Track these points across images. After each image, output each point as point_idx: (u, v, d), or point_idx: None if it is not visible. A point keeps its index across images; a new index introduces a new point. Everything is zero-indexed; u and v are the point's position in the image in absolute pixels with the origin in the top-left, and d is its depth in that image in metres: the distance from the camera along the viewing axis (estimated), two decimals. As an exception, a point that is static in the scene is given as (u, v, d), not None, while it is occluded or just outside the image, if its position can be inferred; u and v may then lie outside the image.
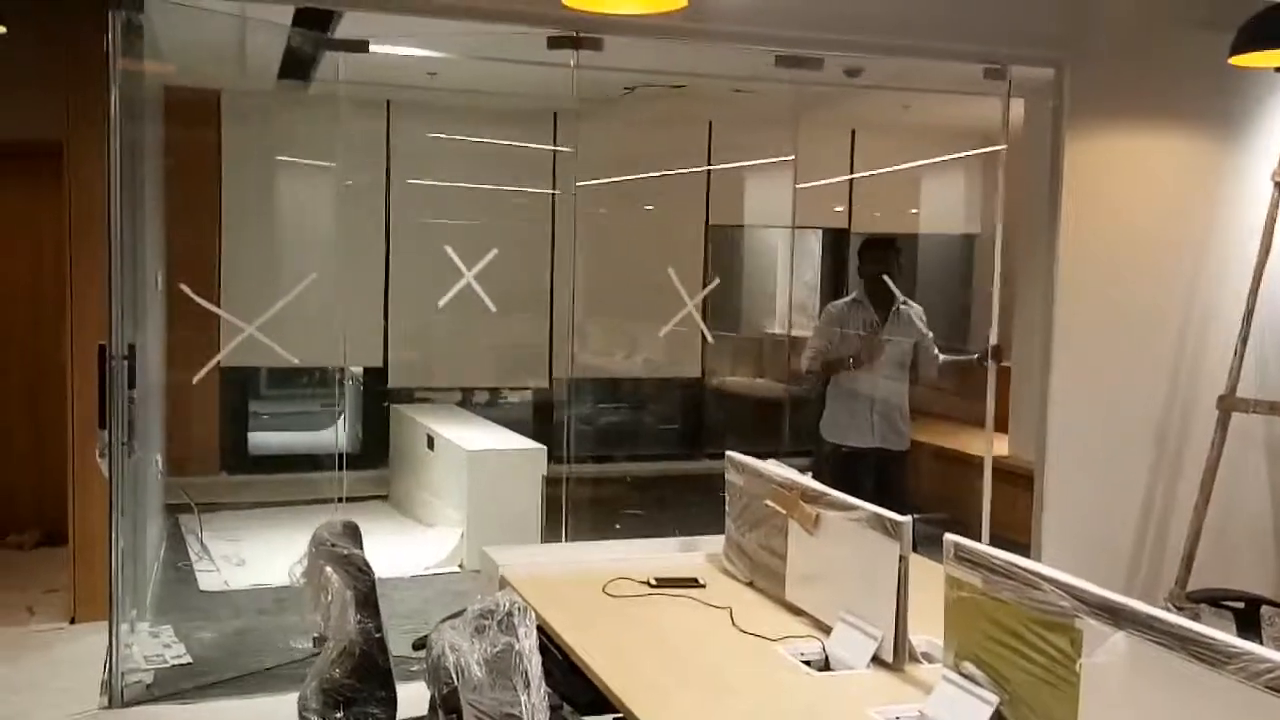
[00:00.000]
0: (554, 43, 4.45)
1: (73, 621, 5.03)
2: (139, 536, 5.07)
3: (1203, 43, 4.74)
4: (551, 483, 6.25)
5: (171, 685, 4.39)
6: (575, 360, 7.76)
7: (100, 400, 4.22)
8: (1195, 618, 1.91)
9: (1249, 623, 3.61)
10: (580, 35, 4.41)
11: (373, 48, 4.99)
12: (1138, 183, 5.03)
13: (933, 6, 4.69)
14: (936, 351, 5.39)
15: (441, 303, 5.40)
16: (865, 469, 5.32)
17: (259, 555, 6.17)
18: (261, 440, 8.22)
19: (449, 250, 5.43)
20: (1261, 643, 1.97)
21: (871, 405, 5.34)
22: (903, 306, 5.37)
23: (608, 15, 3.57)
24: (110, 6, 4.02)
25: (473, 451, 6.38)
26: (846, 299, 5.56)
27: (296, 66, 6.10)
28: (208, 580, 5.80)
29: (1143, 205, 5.04)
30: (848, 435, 5.38)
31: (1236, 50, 4.19)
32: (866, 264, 5.52)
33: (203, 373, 5.04)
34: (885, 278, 5.37)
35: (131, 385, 4.40)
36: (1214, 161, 5.11)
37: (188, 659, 4.67)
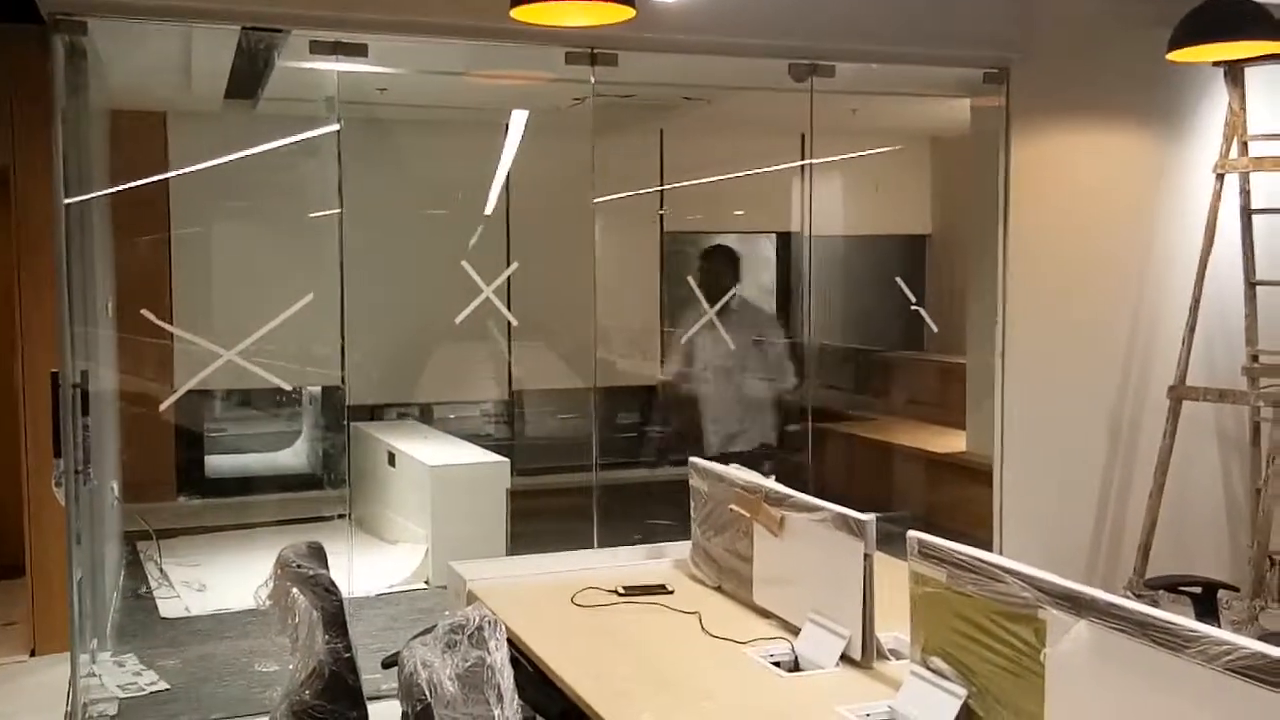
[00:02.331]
0: (571, 58, 4.49)
1: (33, 654, 4.96)
2: (97, 565, 5.00)
3: (1143, 40, 4.83)
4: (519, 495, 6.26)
5: (137, 715, 4.33)
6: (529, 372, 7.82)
7: (54, 428, 4.16)
8: (1154, 604, 1.95)
9: (1207, 607, 3.68)
10: (596, 51, 4.46)
11: (319, 65, 4.95)
12: (1084, 179, 5.12)
13: (878, 9, 4.75)
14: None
15: (459, 319, 5.46)
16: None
17: (220, 580, 6.10)
18: (218, 463, 8.13)
19: (466, 266, 5.45)
20: (1220, 626, 2.01)
21: (726, 413, 5.23)
22: (734, 303, 5.25)
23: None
24: (52, 30, 3.98)
25: (435, 466, 6.35)
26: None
27: (243, 86, 6.05)
28: (169, 607, 5.72)
29: (1089, 200, 5.12)
30: (726, 444, 5.26)
31: (1174, 46, 4.27)
32: (703, 273, 5.39)
33: (173, 399, 5.01)
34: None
35: (85, 412, 4.34)
36: (1157, 156, 5.21)
37: (164, 685, 4.61)
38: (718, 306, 6.27)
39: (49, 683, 4.58)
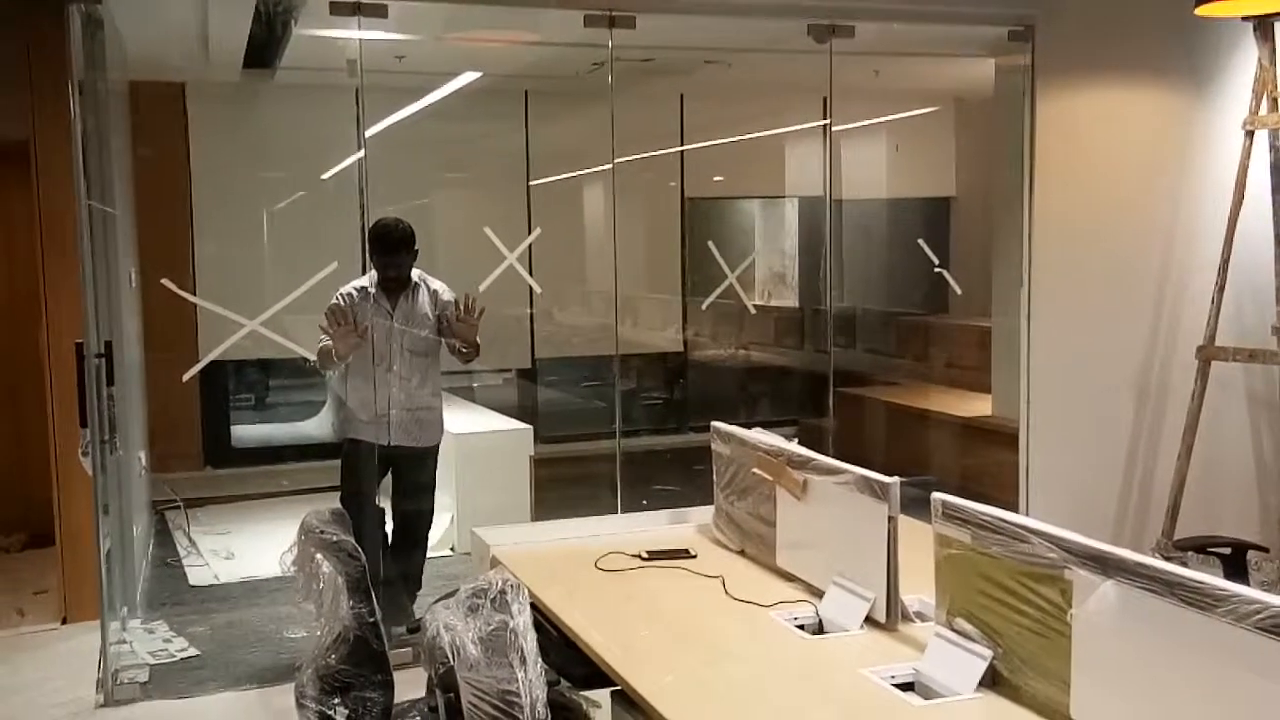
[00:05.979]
0: (590, 21, 4.47)
1: (64, 622, 5.02)
2: (126, 534, 5.05)
3: (1169, -6, 4.75)
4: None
5: (167, 681, 4.38)
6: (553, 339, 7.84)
7: (80, 399, 4.19)
8: (1183, 565, 1.92)
9: (1236, 568, 3.66)
10: (614, 14, 4.42)
11: (336, 33, 4.93)
12: (1110, 137, 5.05)
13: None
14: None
15: (482, 287, 5.42)
16: (387, 468, 4.88)
17: (248, 548, 6.16)
18: (244, 433, 8.20)
19: (488, 232, 5.37)
20: (1250, 587, 1.99)
21: (389, 398, 4.72)
22: (421, 285, 4.73)
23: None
24: (69, 0, 3.97)
25: (459, 435, 6.36)
26: (356, 286, 4.74)
27: (261, 56, 6.04)
28: (197, 575, 5.78)
29: (1116, 159, 5.05)
30: (365, 430, 4.76)
31: (1202, 0, 4.19)
32: (378, 253, 4.66)
33: (197, 368, 5.04)
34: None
35: (110, 382, 4.37)
36: (1185, 112, 5.12)
37: (194, 651, 4.67)
38: (737, 271, 6.21)
39: (80, 650, 4.64)
